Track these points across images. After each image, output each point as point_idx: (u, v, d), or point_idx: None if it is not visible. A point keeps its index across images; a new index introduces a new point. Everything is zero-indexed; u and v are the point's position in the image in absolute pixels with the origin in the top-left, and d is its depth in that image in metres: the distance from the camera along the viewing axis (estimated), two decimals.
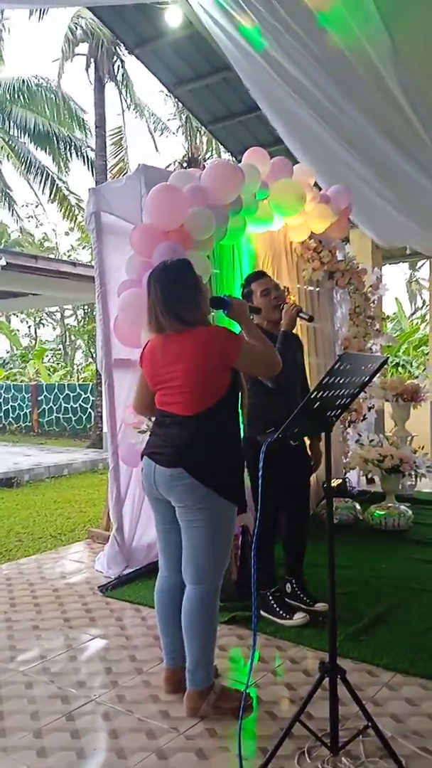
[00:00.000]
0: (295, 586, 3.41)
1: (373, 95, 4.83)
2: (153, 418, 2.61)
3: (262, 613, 3.26)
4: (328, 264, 5.47)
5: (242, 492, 2.44)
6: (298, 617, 3.19)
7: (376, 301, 6.16)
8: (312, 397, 2.03)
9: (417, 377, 7.74)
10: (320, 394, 2.05)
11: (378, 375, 6.36)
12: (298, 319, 3.33)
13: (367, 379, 2.26)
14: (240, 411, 2.49)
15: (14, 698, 2.56)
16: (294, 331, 3.38)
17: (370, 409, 5.91)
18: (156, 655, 2.85)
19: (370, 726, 2.06)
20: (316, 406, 2.10)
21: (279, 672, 2.74)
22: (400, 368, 13.31)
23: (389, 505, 4.92)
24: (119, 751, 2.19)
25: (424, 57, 4.30)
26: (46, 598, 3.69)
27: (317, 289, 5.58)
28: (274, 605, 3.27)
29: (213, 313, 3.20)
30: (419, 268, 23.98)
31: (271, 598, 3.30)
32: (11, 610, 3.50)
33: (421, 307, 24.24)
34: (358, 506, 5.05)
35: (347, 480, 5.69)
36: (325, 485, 2.24)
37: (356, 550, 4.33)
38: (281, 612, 3.23)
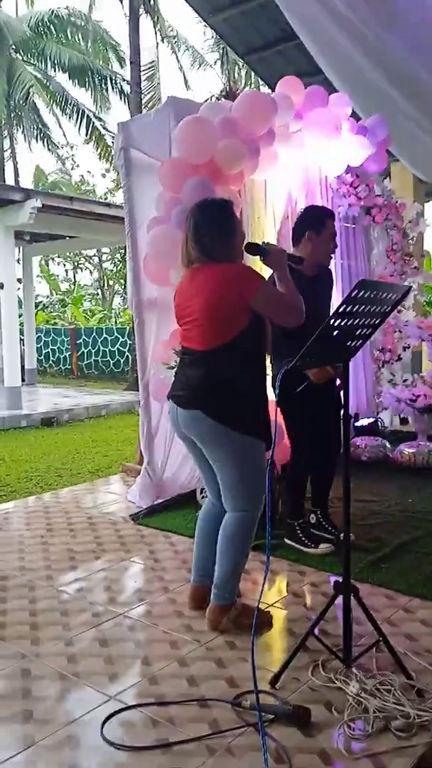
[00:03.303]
0: (320, 516, 3.49)
1: (417, 25, 4.57)
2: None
3: (288, 541, 3.36)
4: (365, 199, 5.32)
5: (265, 426, 2.44)
6: (323, 547, 3.28)
7: (414, 238, 5.99)
8: (328, 324, 2.03)
9: None
10: (338, 322, 2.05)
11: (415, 315, 6.26)
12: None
13: (389, 309, 2.24)
14: (263, 348, 2.48)
15: (49, 611, 2.73)
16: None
17: (405, 349, 5.84)
18: (183, 576, 2.99)
19: (381, 641, 2.14)
20: (335, 334, 2.10)
21: (300, 594, 2.85)
22: None
23: (420, 443, 4.92)
24: (144, 659, 2.33)
25: None
26: (80, 524, 3.87)
27: (353, 225, 5.46)
28: (301, 535, 3.36)
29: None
30: None
31: (298, 528, 3.38)
32: (48, 535, 3.69)
33: None
34: (388, 444, 5.07)
35: (380, 420, 5.68)
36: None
37: (384, 486, 4.38)
38: (307, 542, 3.32)
